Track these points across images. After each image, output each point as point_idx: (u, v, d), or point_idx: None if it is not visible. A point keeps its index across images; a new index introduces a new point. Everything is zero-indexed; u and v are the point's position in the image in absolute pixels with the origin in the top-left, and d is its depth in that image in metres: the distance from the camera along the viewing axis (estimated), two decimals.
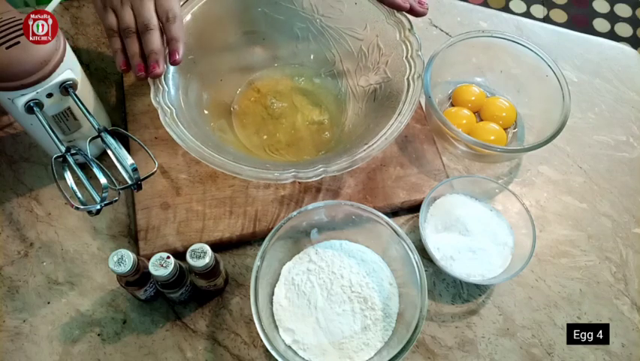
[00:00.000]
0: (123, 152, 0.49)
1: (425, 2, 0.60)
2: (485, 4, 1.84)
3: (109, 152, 0.50)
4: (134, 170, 0.49)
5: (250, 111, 0.68)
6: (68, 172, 0.49)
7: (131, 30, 0.53)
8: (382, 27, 0.61)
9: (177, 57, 0.53)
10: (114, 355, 0.54)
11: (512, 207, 0.61)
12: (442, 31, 0.79)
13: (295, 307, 0.54)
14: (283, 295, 0.55)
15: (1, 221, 0.60)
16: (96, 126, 0.51)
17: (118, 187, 0.51)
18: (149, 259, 0.48)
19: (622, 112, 0.74)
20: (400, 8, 0.60)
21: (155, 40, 0.52)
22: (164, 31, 0.54)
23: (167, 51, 0.54)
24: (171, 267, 0.48)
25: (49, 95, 0.51)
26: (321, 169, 0.52)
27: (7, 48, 0.47)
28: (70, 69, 0.51)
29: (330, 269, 0.56)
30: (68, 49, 0.52)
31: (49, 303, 0.56)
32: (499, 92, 0.72)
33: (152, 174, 0.52)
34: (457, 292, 0.60)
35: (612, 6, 1.86)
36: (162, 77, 0.55)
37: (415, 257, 0.52)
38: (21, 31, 0.48)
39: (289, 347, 0.52)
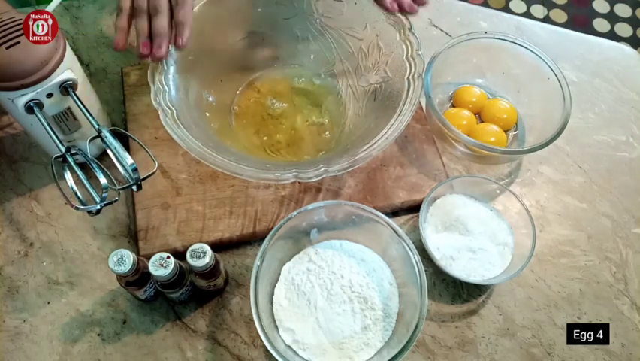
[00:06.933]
0: (123, 152, 0.49)
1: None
2: (485, 4, 1.84)
3: (109, 152, 0.50)
4: (134, 170, 0.49)
5: (250, 112, 0.68)
6: (68, 172, 0.49)
7: (143, 9, 0.54)
8: (382, 27, 0.61)
9: (181, 42, 0.54)
10: (114, 355, 0.54)
11: (512, 207, 0.61)
12: (442, 31, 0.79)
13: (295, 307, 0.54)
14: (283, 295, 0.55)
15: (1, 221, 0.60)
16: (96, 126, 0.51)
17: (118, 187, 0.51)
18: (149, 259, 0.48)
19: (622, 112, 0.74)
20: (387, 10, 0.60)
21: (162, 23, 0.53)
22: (172, 14, 0.54)
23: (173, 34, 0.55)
24: (171, 267, 0.48)
25: (49, 95, 0.51)
26: (322, 169, 0.52)
27: (7, 48, 0.47)
28: (70, 69, 0.51)
29: (330, 269, 0.56)
30: (68, 49, 0.51)
31: (49, 303, 0.56)
32: (500, 93, 0.72)
33: (152, 174, 0.52)
34: (457, 292, 0.60)
35: (612, 6, 1.86)
36: (162, 77, 0.55)
37: (415, 257, 0.52)
38: (21, 31, 0.48)
39: (289, 347, 0.52)
